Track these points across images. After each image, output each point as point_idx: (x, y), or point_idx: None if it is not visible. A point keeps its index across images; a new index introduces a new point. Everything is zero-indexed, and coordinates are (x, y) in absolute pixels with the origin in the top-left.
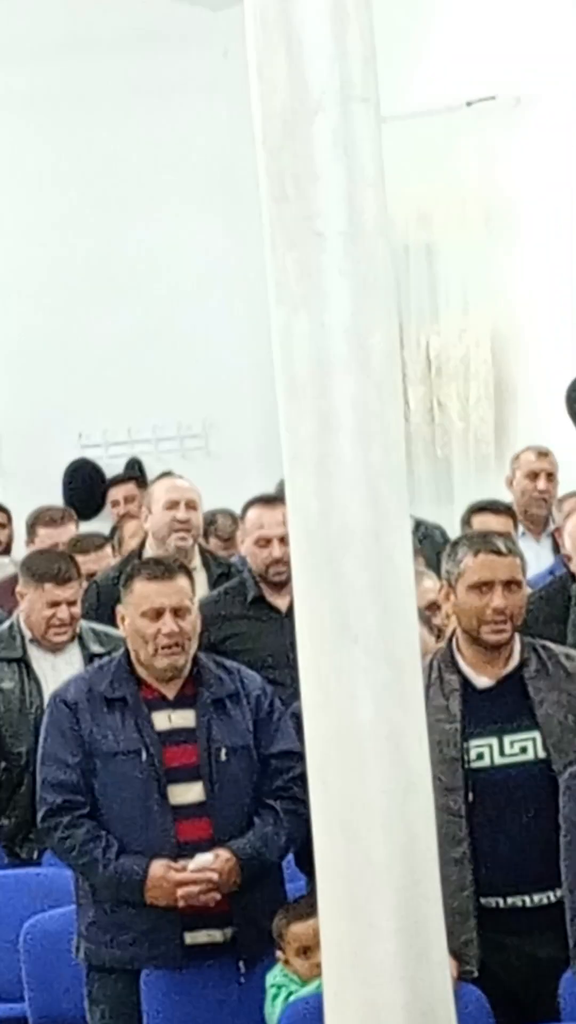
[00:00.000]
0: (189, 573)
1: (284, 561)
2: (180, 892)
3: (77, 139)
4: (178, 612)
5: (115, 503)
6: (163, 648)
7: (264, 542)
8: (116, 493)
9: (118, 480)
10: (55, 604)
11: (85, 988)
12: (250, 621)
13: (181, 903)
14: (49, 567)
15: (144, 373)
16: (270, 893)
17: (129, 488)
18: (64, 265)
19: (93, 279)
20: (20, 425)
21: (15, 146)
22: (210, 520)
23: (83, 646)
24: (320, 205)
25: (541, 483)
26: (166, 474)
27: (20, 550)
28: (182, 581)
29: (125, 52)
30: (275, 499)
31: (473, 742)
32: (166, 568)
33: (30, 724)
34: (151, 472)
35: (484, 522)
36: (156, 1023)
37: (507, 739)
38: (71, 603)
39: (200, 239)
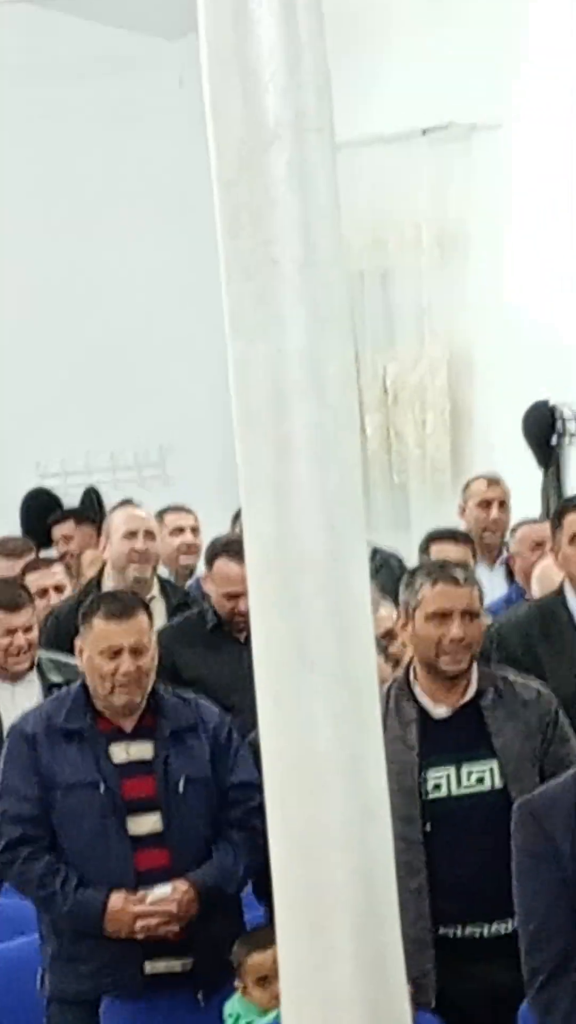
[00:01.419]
0: (147, 608)
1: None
2: (138, 925)
3: (33, 165)
4: (136, 651)
5: (68, 536)
6: (120, 686)
7: (231, 596)
8: (63, 529)
9: (73, 513)
10: (10, 632)
11: (44, 1019)
12: (208, 649)
13: (140, 935)
14: (2, 595)
15: (101, 402)
16: (228, 923)
17: (75, 523)
18: (19, 293)
19: (49, 307)
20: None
21: None
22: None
23: (42, 675)
24: (275, 234)
25: (493, 512)
26: (125, 502)
27: None
28: (140, 618)
29: (84, 79)
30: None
31: (430, 772)
32: (124, 607)
33: None
34: (108, 500)
35: (442, 550)
36: None
37: (464, 769)
38: (26, 629)
39: (157, 267)
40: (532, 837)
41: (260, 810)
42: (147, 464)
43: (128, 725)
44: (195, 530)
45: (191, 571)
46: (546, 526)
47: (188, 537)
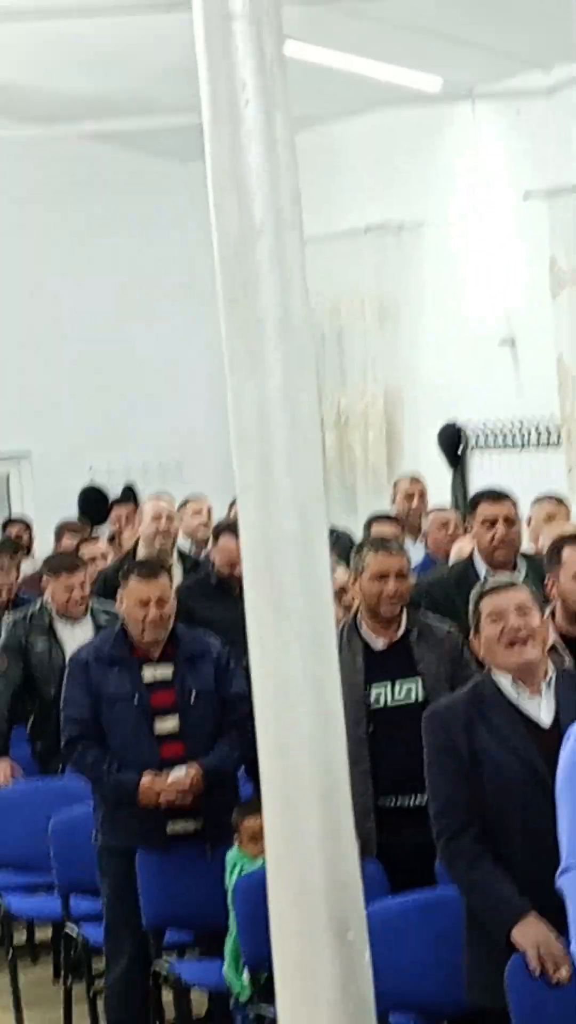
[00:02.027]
0: (168, 571)
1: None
2: (162, 797)
3: (79, 254)
4: (160, 602)
5: (115, 519)
6: (149, 627)
7: (230, 564)
8: (117, 511)
9: (117, 502)
10: (70, 588)
11: (97, 864)
12: (213, 601)
13: (163, 804)
14: (63, 562)
15: (136, 425)
16: (228, 796)
17: (126, 508)
18: (81, 356)
19: (100, 362)
20: (50, 460)
21: (35, 271)
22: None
23: (94, 618)
24: (261, 303)
25: (415, 502)
26: (153, 496)
27: (42, 552)
28: (163, 579)
29: (118, 193)
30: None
31: (372, 688)
32: (152, 570)
33: (56, 674)
34: (142, 494)
35: (380, 530)
36: (147, 891)
37: (397, 686)
38: (82, 585)
39: (177, 328)
40: (437, 736)
41: (250, 715)
42: (168, 469)
43: (154, 654)
44: (209, 512)
45: (206, 541)
46: (453, 512)
47: (204, 518)
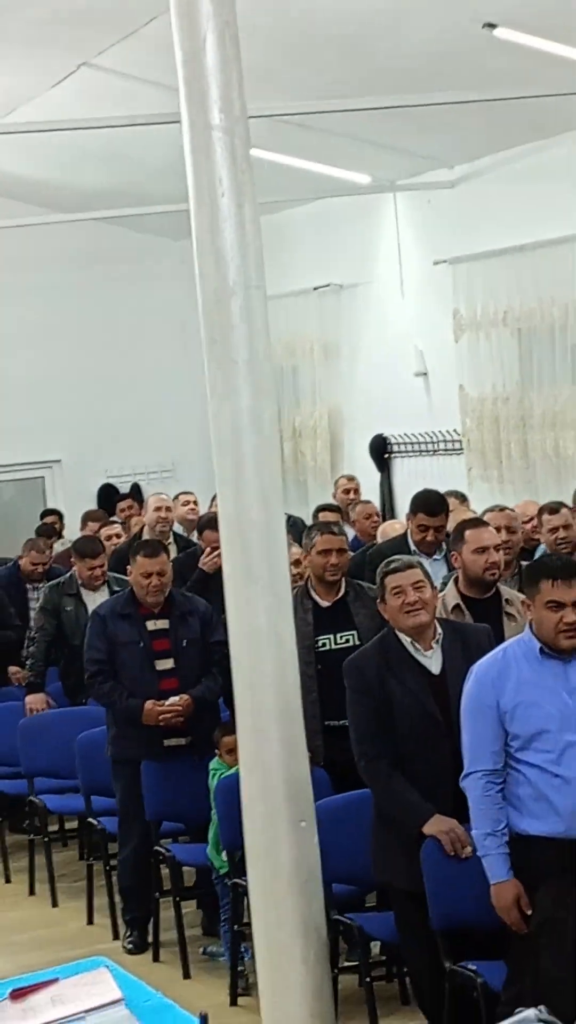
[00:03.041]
0: (167, 550)
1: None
2: (161, 719)
3: (89, 311)
4: (160, 574)
5: (121, 510)
6: (151, 592)
7: (214, 548)
8: (121, 505)
9: (127, 496)
10: (92, 568)
11: (111, 772)
12: (200, 571)
13: (162, 724)
14: (88, 549)
15: (141, 438)
16: (211, 718)
17: (128, 503)
18: (99, 377)
19: (113, 387)
20: (75, 465)
21: (64, 320)
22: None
23: (109, 587)
24: (233, 345)
25: (351, 495)
26: (155, 493)
27: (71, 534)
28: (163, 556)
29: (126, 262)
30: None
31: (319, 637)
32: (154, 548)
33: (80, 629)
34: (145, 490)
35: (324, 516)
36: (149, 791)
37: (338, 635)
38: (101, 566)
39: (171, 364)
40: (356, 680)
41: (227, 657)
42: (164, 470)
43: (156, 609)
44: (196, 503)
45: (195, 524)
46: (375, 506)
47: (192, 507)
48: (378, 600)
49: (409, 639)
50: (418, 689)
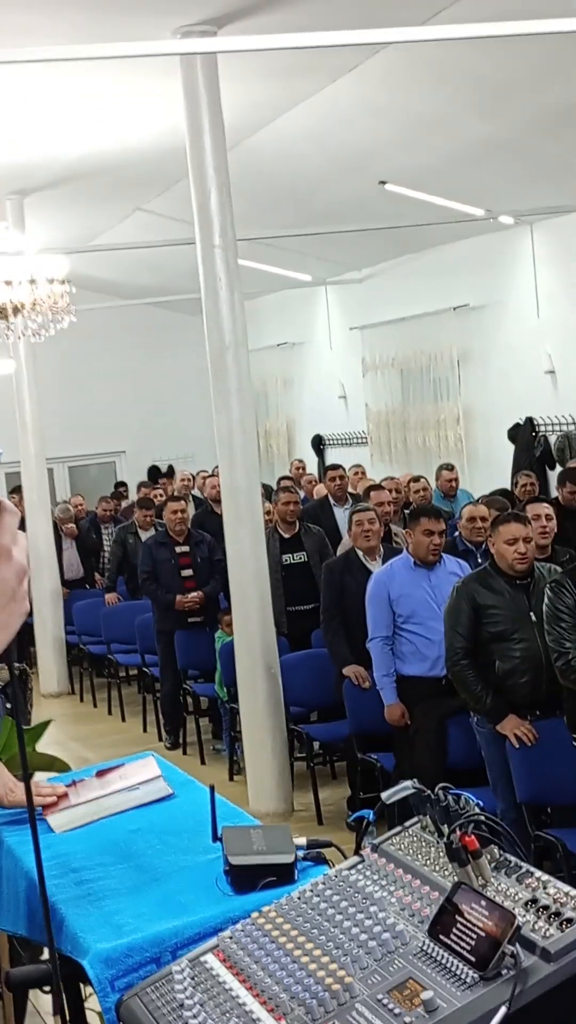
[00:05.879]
0: (189, 501)
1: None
2: (186, 605)
3: (144, 362)
4: (183, 516)
5: (161, 481)
6: (178, 527)
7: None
8: (161, 480)
9: (165, 474)
10: (145, 516)
11: (156, 638)
12: (213, 517)
13: (187, 608)
14: (143, 503)
15: (172, 436)
16: (215, 605)
17: (165, 478)
18: (148, 401)
19: (156, 408)
20: (134, 454)
21: (122, 371)
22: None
23: (155, 528)
24: (229, 379)
25: (300, 471)
26: (180, 471)
27: (131, 496)
28: (183, 503)
29: (163, 330)
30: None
31: (284, 556)
32: (179, 500)
33: (136, 553)
34: (176, 469)
35: (284, 483)
36: (179, 649)
37: (294, 555)
38: (150, 513)
39: (192, 393)
40: (329, 576)
41: (225, 569)
42: (187, 456)
43: (180, 540)
44: (215, 476)
45: (216, 495)
46: (314, 476)
47: (213, 480)
48: (348, 530)
49: (363, 554)
50: (362, 582)
